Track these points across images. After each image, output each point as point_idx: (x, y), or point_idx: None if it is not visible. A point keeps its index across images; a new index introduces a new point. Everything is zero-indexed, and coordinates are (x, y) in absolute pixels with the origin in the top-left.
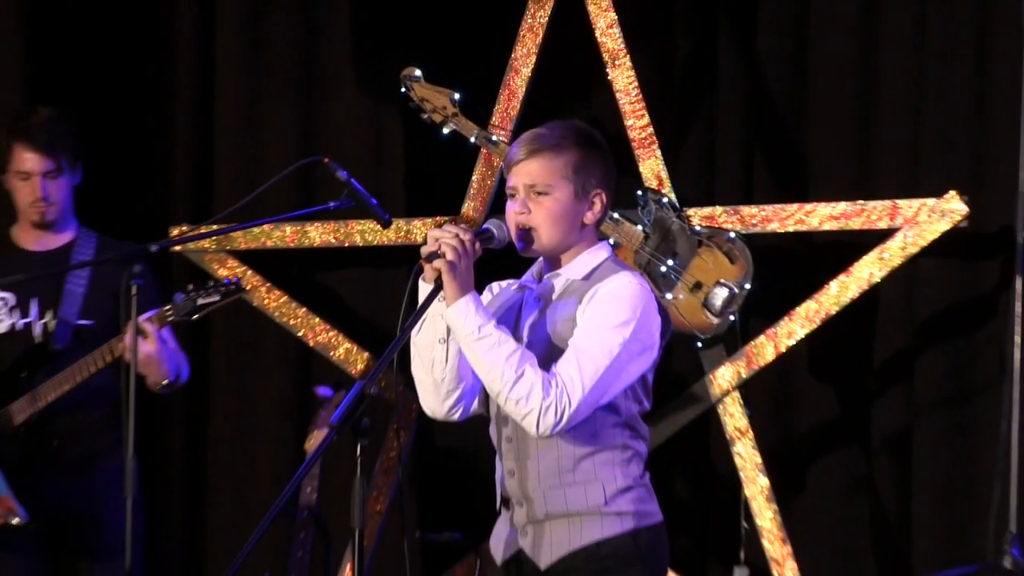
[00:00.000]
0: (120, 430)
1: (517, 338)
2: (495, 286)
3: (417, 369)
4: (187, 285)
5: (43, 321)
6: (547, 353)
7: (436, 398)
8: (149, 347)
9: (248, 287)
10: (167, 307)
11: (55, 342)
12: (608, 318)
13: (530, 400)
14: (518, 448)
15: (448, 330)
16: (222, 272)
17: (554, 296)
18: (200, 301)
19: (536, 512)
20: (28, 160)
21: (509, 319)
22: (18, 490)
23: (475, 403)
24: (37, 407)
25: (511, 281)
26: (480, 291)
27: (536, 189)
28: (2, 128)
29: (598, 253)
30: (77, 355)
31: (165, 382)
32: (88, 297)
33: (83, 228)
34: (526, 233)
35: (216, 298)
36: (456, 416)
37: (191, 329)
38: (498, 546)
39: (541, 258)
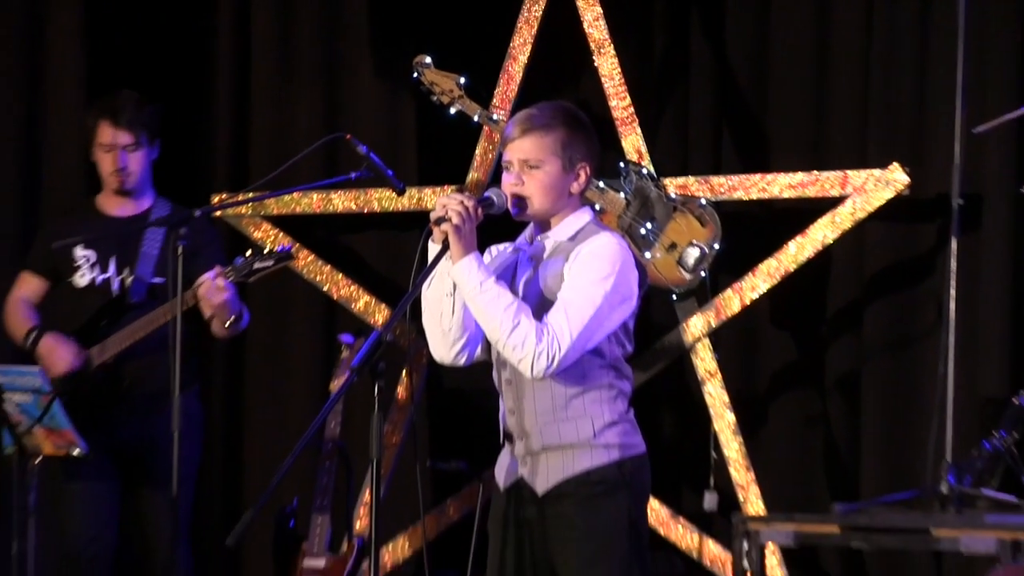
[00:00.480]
0: (184, 373)
1: (513, 292)
2: (493, 249)
3: (427, 320)
4: (246, 251)
5: (120, 277)
6: (539, 305)
7: (444, 346)
8: (224, 295)
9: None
10: (228, 268)
11: (131, 296)
12: (591, 273)
13: (525, 346)
14: (516, 389)
15: (454, 285)
16: (257, 234)
17: (544, 255)
18: (256, 265)
19: (533, 445)
20: (110, 134)
21: (506, 277)
22: (94, 424)
23: (478, 350)
24: (113, 352)
25: (508, 244)
26: (481, 252)
27: (529, 163)
28: (91, 107)
29: (581, 217)
30: (149, 308)
31: (234, 322)
32: (161, 258)
33: (159, 197)
34: (520, 201)
35: (270, 263)
36: (462, 362)
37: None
38: (501, 475)
39: (533, 222)
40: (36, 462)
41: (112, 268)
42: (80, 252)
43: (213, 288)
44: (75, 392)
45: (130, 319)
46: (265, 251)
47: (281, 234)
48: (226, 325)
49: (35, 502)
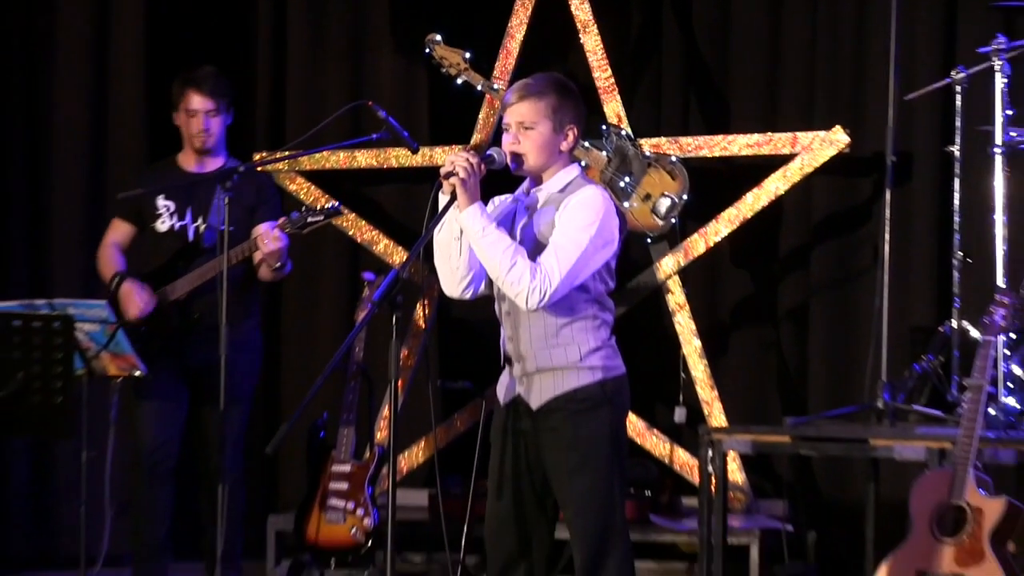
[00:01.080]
0: (246, 307)
1: (512, 237)
2: (496, 199)
3: (439, 261)
4: (301, 207)
5: (195, 225)
6: (534, 248)
7: (453, 282)
8: (278, 244)
9: (301, 199)
10: (284, 220)
11: (204, 242)
12: (578, 221)
13: (521, 282)
14: (514, 319)
15: (461, 231)
16: (292, 187)
17: (539, 205)
18: (309, 219)
19: (528, 367)
20: (195, 101)
21: (506, 223)
22: (168, 351)
23: (482, 286)
24: (185, 290)
25: (508, 195)
26: (485, 202)
27: (524, 124)
28: (177, 78)
29: (570, 172)
30: (217, 253)
31: (276, 268)
32: (230, 209)
33: (231, 157)
34: (517, 157)
35: (320, 218)
36: (468, 295)
37: None
38: (501, 392)
39: (528, 177)
40: (117, 382)
41: (188, 217)
42: (162, 202)
43: (270, 238)
44: (151, 325)
45: (201, 262)
46: (317, 207)
47: (312, 186)
48: (273, 269)
49: (115, 416)
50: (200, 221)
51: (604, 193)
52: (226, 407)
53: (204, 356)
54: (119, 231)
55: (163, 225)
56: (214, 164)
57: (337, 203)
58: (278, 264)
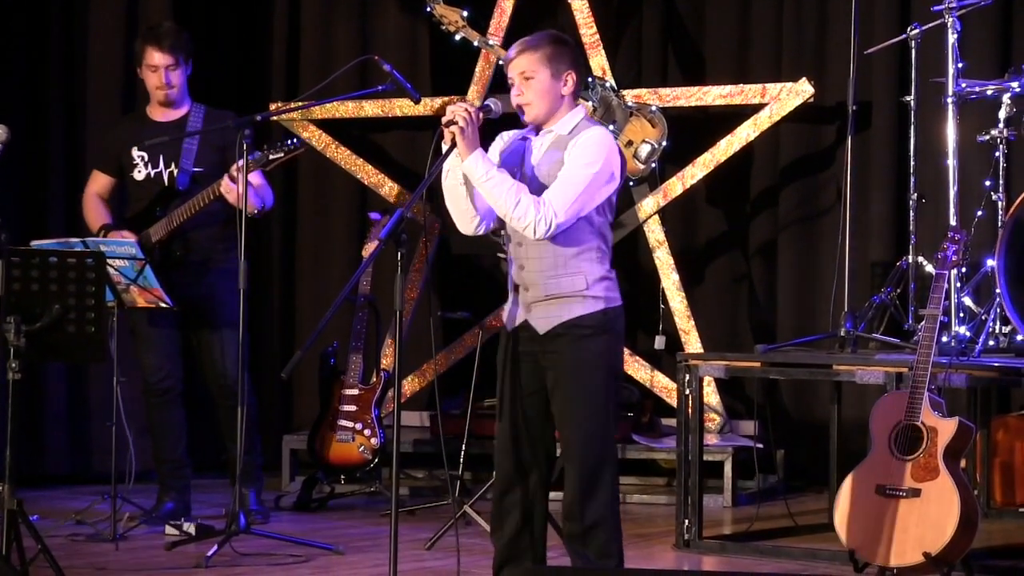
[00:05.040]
0: (226, 242)
1: (523, 174)
2: (505, 134)
3: (449, 204)
4: (263, 145)
5: (168, 171)
6: (542, 184)
7: (465, 222)
8: (236, 188)
9: (313, 145)
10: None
11: (177, 185)
12: (583, 159)
13: (527, 216)
14: (525, 251)
15: (465, 176)
16: (305, 134)
17: (548, 146)
18: (271, 156)
19: (537, 294)
20: (155, 57)
21: (515, 159)
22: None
23: (493, 222)
24: (167, 229)
25: (518, 131)
26: (491, 141)
27: (525, 75)
28: (139, 35)
29: (576, 114)
30: (193, 193)
31: (255, 211)
32: (199, 152)
33: (194, 103)
34: (523, 107)
35: (280, 155)
36: (481, 231)
37: (286, 172)
38: (507, 318)
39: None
40: (114, 320)
41: (160, 164)
42: (136, 152)
43: (228, 184)
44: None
45: (176, 204)
46: (278, 143)
47: (324, 134)
48: (251, 213)
49: (114, 350)
50: (173, 167)
51: (608, 134)
52: (225, 330)
53: (190, 289)
54: (99, 182)
55: (139, 174)
56: (179, 113)
57: (296, 139)
58: (254, 210)
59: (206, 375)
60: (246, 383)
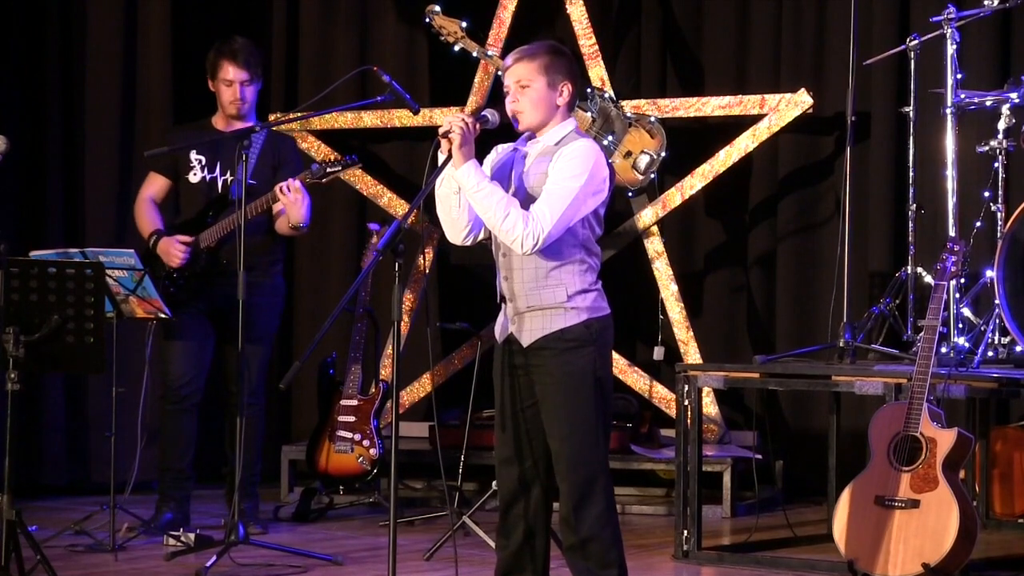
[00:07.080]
0: (272, 255)
1: (511, 185)
2: (499, 147)
3: (441, 213)
4: (320, 159)
5: (224, 178)
6: (529, 196)
7: (455, 231)
8: (300, 194)
9: (312, 156)
10: (306, 172)
11: (231, 194)
12: (569, 171)
13: (515, 230)
14: (509, 262)
15: (459, 186)
16: (304, 145)
17: (535, 156)
18: (329, 169)
19: (520, 306)
20: (231, 72)
21: (505, 170)
22: (199, 293)
23: (481, 233)
24: (215, 238)
25: (511, 144)
26: (487, 153)
27: (521, 84)
28: (213, 49)
29: (566, 126)
30: (236, 207)
31: (300, 224)
32: (256, 166)
33: (258, 120)
34: (517, 115)
35: (338, 168)
36: (469, 242)
37: None
38: (498, 330)
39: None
40: (152, 324)
41: (217, 170)
42: (195, 156)
43: (292, 188)
44: (185, 270)
45: (228, 212)
46: (336, 159)
47: (323, 144)
48: (291, 227)
49: (149, 356)
50: (228, 175)
51: (596, 146)
52: (248, 345)
53: (230, 298)
54: (155, 184)
55: (195, 177)
56: (242, 126)
57: (354, 155)
58: (300, 224)
59: (220, 386)
60: (260, 401)
